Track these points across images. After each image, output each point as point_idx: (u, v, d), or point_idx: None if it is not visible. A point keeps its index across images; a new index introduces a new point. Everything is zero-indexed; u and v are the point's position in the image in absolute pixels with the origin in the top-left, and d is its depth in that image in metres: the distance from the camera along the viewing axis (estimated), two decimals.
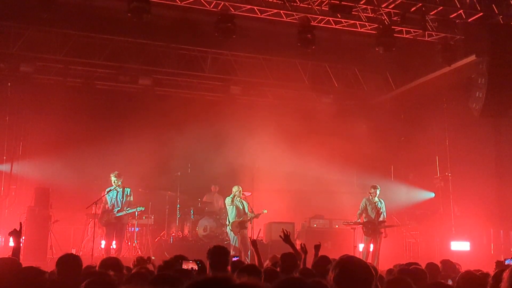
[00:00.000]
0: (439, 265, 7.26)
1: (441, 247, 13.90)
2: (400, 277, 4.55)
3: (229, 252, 5.82)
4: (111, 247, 12.00)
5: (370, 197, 13.13)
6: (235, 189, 13.05)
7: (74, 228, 14.36)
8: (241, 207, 12.93)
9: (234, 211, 12.90)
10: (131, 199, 12.23)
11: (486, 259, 11.96)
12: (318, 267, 6.05)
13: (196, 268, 5.10)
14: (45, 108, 14.99)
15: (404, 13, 13.18)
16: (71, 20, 13.85)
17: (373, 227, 12.86)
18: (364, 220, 13.03)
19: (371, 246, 12.87)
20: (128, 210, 12.10)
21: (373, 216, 12.97)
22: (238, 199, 12.99)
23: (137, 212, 12.66)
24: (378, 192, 13.07)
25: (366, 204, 13.09)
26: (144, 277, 4.54)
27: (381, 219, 12.98)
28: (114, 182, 11.86)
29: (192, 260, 5.21)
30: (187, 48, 15.90)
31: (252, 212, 13.01)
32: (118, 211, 11.85)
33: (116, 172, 11.97)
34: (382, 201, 13.17)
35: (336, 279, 3.25)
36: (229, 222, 12.99)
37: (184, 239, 14.36)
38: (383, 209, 13.08)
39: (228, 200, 13.06)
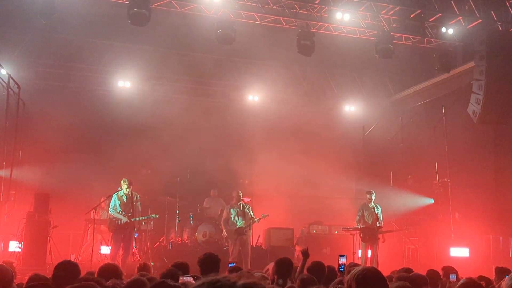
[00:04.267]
0: (440, 271, 7.31)
1: (440, 253, 13.87)
2: (401, 285, 4.54)
3: (219, 259, 5.84)
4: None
5: (367, 202, 13.11)
6: (234, 194, 13.06)
7: (73, 233, 14.34)
8: (239, 214, 12.85)
9: (231, 219, 12.88)
10: (139, 205, 12.18)
11: (485, 266, 11.95)
12: (315, 273, 6.05)
13: (193, 282, 5.10)
14: (45, 113, 14.99)
15: (403, 20, 13.23)
16: (71, 26, 13.90)
17: (370, 233, 12.82)
18: (362, 226, 12.99)
19: (369, 252, 12.85)
20: (143, 217, 12.12)
21: (370, 222, 12.93)
22: (239, 204, 12.92)
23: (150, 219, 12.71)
24: (373, 197, 13.04)
25: (363, 210, 13.08)
26: (142, 284, 4.53)
27: (378, 225, 12.92)
28: (126, 189, 11.82)
29: (189, 276, 5.23)
30: (187, 54, 15.96)
31: (251, 217, 12.92)
32: (131, 217, 11.76)
33: (128, 180, 11.91)
34: (378, 206, 13.14)
35: None
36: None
37: (183, 245, 14.33)
38: (380, 215, 13.03)
39: (227, 207, 13.10)
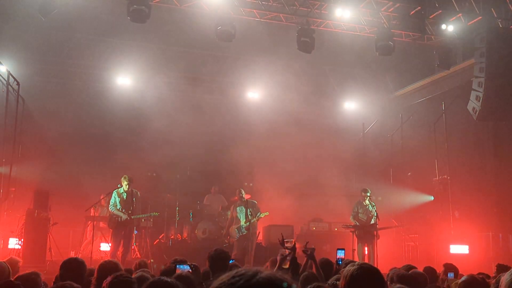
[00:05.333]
0: (442, 267, 7.34)
1: (440, 251, 13.88)
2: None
3: (230, 256, 5.81)
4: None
5: (361, 200, 13.08)
6: (236, 193, 13.04)
7: (73, 230, 14.34)
8: (239, 213, 12.84)
9: (232, 218, 12.90)
10: (140, 202, 12.16)
11: (485, 263, 11.97)
12: (323, 271, 6.03)
13: (190, 272, 5.07)
14: (45, 110, 14.98)
15: (403, 16, 13.22)
16: (71, 23, 13.86)
17: (365, 230, 12.78)
18: (356, 224, 12.97)
19: (366, 249, 12.84)
20: (143, 215, 12.12)
21: (364, 219, 12.90)
22: (243, 202, 12.88)
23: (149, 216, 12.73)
24: (368, 195, 13.02)
25: (357, 208, 13.06)
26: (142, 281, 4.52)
27: (372, 222, 12.88)
28: (126, 186, 11.79)
29: (186, 264, 5.18)
30: (187, 51, 15.93)
31: (251, 215, 12.87)
32: (131, 214, 11.73)
33: (128, 177, 11.87)
34: (373, 204, 13.12)
35: None
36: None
37: (183, 242, 14.33)
38: (374, 212, 12.98)
39: (232, 206, 13.13)
